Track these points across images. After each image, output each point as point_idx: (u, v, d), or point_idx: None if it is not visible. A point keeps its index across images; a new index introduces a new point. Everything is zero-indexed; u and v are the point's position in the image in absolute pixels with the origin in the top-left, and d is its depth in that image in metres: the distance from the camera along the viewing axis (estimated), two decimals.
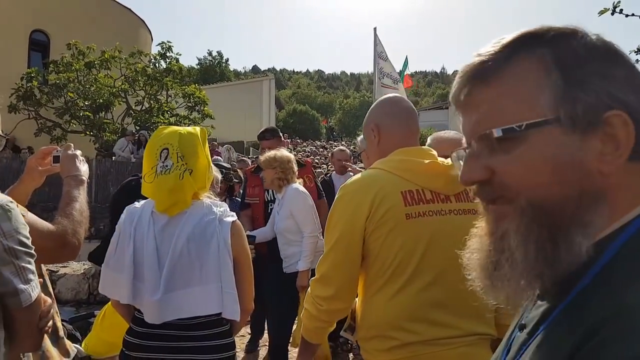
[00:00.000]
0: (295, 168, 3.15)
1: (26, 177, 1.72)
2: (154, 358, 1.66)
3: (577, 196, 0.52)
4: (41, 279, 1.52)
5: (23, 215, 1.37)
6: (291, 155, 3.19)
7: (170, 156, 1.67)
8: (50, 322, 1.25)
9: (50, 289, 1.57)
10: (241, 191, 4.19)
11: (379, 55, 8.98)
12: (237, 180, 4.97)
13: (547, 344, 0.52)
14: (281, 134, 3.80)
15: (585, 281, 0.50)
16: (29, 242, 1.10)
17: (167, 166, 1.66)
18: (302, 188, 3.10)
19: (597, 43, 0.55)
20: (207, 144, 1.81)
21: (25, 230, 1.10)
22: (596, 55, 0.54)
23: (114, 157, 11.42)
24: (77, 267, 4.52)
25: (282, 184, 3.07)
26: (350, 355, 4.10)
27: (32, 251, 1.11)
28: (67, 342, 1.60)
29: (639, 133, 0.51)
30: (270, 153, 3.10)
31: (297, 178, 3.18)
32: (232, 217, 1.73)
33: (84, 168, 1.69)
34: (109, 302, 2.44)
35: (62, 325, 1.70)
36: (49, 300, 1.24)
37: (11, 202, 1.06)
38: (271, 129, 3.79)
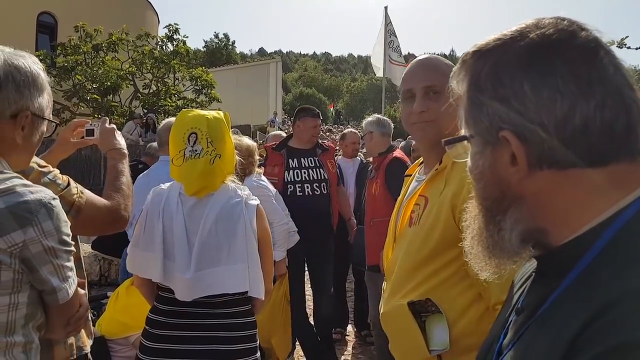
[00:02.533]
0: (257, 162, 3.01)
1: (57, 148, 1.77)
2: (178, 335, 1.71)
3: (501, 197, 0.62)
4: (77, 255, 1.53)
5: (81, 194, 1.42)
6: (254, 145, 3.05)
7: (199, 141, 1.71)
8: (83, 324, 1.28)
9: (84, 267, 1.62)
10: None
11: (390, 32, 8.81)
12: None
13: (551, 322, 0.55)
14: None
15: (585, 261, 0.55)
16: (69, 239, 1.10)
17: (196, 151, 1.70)
18: (259, 179, 2.97)
19: (519, 53, 0.59)
20: (230, 128, 1.85)
21: (67, 227, 1.09)
22: (509, 70, 0.59)
23: None
24: (87, 248, 4.57)
25: (243, 175, 2.88)
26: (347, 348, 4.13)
27: (72, 247, 1.12)
28: (92, 325, 1.64)
29: (543, 148, 0.57)
30: (240, 139, 2.93)
31: (262, 167, 3.10)
32: (255, 200, 1.79)
33: (123, 142, 1.73)
34: (122, 284, 2.49)
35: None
36: (86, 302, 1.26)
37: (54, 198, 1.05)
38: (316, 109, 3.67)
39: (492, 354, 0.62)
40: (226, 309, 1.75)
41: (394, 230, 1.48)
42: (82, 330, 1.55)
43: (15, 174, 1.05)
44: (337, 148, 5.54)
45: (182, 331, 1.72)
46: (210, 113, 1.82)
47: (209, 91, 13.89)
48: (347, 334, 4.34)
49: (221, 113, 1.84)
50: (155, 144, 4.08)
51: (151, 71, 13.28)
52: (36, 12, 14.36)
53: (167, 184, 1.82)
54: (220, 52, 46.40)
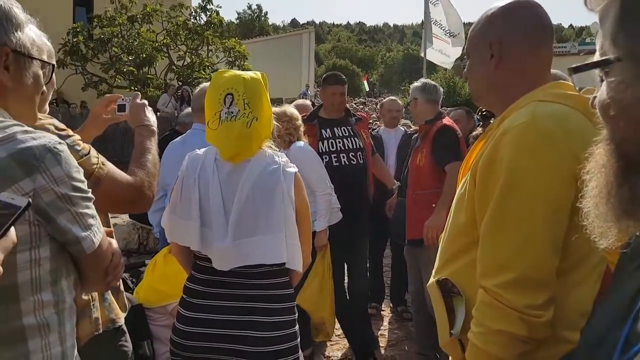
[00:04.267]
0: (302, 128, 2.97)
1: (89, 125, 1.72)
2: (216, 305, 1.67)
3: None
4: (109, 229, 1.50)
5: (102, 165, 1.33)
6: (298, 114, 3.00)
7: (235, 102, 1.64)
8: (122, 273, 1.20)
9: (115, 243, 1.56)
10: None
11: (433, 2, 8.31)
12: None
13: None
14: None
15: None
16: (84, 185, 1.02)
17: (232, 112, 1.63)
18: (307, 145, 2.92)
19: None
20: (268, 90, 1.75)
21: (79, 174, 1.01)
22: None
23: (158, 113, 11.59)
24: (126, 217, 4.64)
25: (291, 140, 2.88)
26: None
27: (90, 194, 1.04)
28: (125, 298, 1.61)
29: None
30: (280, 107, 2.94)
31: (304, 136, 2.99)
32: (293, 167, 1.72)
33: (153, 118, 1.66)
34: (160, 252, 2.47)
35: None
36: (117, 249, 1.18)
37: (60, 143, 0.97)
38: (341, 75, 3.56)
39: (610, 347, 0.48)
40: (264, 279, 1.70)
41: None
42: (115, 302, 1.52)
43: (16, 122, 0.97)
44: (374, 116, 5.41)
45: (219, 301, 1.68)
46: (247, 73, 1.73)
47: (242, 63, 13.82)
48: (383, 309, 4.27)
49: (258, 74, 1.74)
50: (188, 110, 4.03)
51: (185, 43, 13.30)
52: None
53: (203, 149, 1.75)
54: (252, 24, 46.13)
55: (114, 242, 1.17)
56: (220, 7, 14.16)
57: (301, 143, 2.90)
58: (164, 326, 2.23)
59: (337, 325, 3.46)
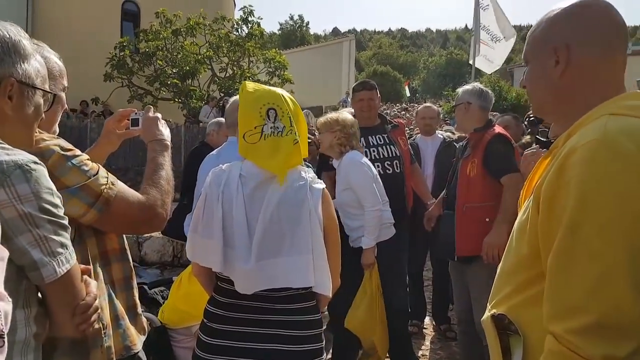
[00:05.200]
0: (358, 134, 2.83)
1: (103, 140, 1.66)
2: (238, 331, 1.56)
3: None
4: (117, 247, 1.41)
5: (112, 185, 1.27)
6: (355, 120, 2.87)
7: (280, 118, 1.60)
8: (95, 317, 1.11)
9: (131, 262, 1.48)
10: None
11: (480, 4, 8.04)
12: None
13: None
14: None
15: None
16: (55, 210, 0.96)
17: (278, 128, 1.59)
18: (360, 156, 2.78)
19: None
20: None
21: (51, 196, 0.96)
22: None
23: (200, 124, 11.81)
24: (157, 233, 4.64)
25: (343, 150, 2.77)
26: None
27: (63, 221, 0.98)
28: (144, 319, 1.52)
29: None
30: (332, 115, 2.84)
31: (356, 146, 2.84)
32: (321, 184, 1.64)
33: (166, 132, 1.60)
34: (186, 269, 2.39)
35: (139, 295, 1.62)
36: (94, 291, 1.10)
37: (36, 162, 0.94)
38: (370, 81, 3.46)
39: None
40: (289, 304, 1.59)
41: None
42: (130, 328, 1.42)
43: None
44: (411, 126, 5.23)
45: (241, 327, 1.57)
46: (282, 91, 1.68)
47: (282, 73, 13.89)
48: (425, 327, 4.04)
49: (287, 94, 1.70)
50: (215, 122, 3.99)
51: (227, 55, 13.51)
52: (121, 0, 15.22)
53: (227, 165, 1.66)
54: (294, 34, 46.71)
55: (92, 283, 1.10)
56: (262, 18, 14.35)
57: (354, 153, 2.77)
58: (188, 348, 2.14)
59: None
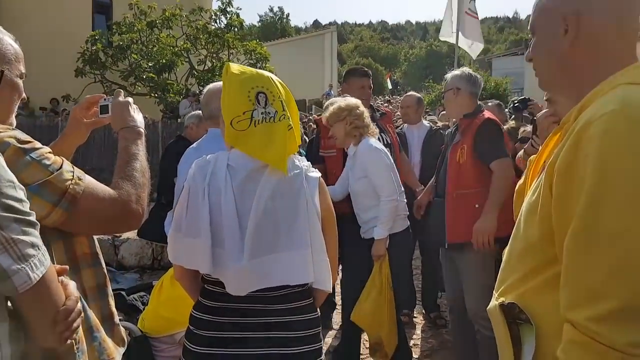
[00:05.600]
0: (367, 113, 2.73)
1: (70, 131, 1.49)
2: (229, 336, 1.42)
3: None
4: (87, 252, 1.25)
5: (78, 180, 1.11)
6: (358, 100, 2.77)
7: (271, 102, 1.48)
8: (78, 322, 0.97)
9: (104, 268, 1.33)
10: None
11: None
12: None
13: None
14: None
15: None
16: (20, 205, 0.83)
17: (269, 113, 1.47)
18: (377, 144, 2.69)
19: None
20: None
21: (13, 189, 0.82)
22: None
23: (179, 119, 11.54)
24: (133, 234, 4.45)
25: (361, 133, 2.66)
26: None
27: (30, 218, 0.84)
28: (122, 330, 1.36)
29: None
30: (334, 104, 2.72)
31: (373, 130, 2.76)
32: (316, 172, 1.54)
33: (139, 118, 1.43)
34: (167, 272, 2.22)
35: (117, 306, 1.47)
36: (74, 292, 0.96)
37: None
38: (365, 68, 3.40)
39: None
40: (286, 304, 1.46)
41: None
42: (107, 340, 1.27)
43: None
44: (398, 114, 5.22)
45: (232, 332, 1.43)
46: (270, 74, 1.55)
47: (264, 65, 13.68)
48: (415, 315, 4.03)
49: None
50: (195, 114, 3.82)
51: (206, 47, 13.23)
52: None
53: (212, 155, 1.51)
54: (274, 26, 46.38)
55: (71, 284, 0.95)
56: (240, 9, 14.12)
57: (371, 141, 2.67)
58: (172, 357, 1.98)
59: (365, 337, 3.17)
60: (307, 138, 4.72)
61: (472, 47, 8.49)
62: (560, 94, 1.10)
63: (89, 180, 1.17)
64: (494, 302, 1.01)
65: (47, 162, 1.10)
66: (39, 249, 0.85)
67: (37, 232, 0.86)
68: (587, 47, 0.95)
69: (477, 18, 8.14)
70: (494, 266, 2.55)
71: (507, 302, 0.95)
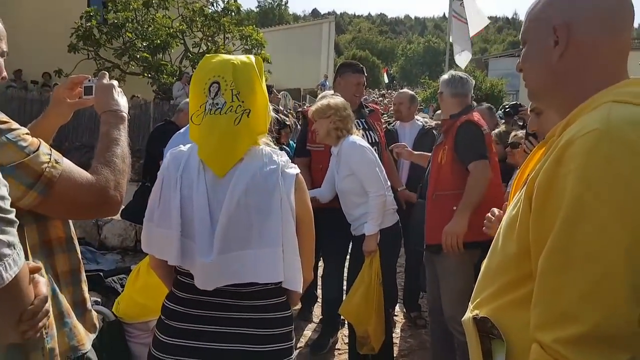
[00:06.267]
0: (353, 117, 2.72)
1: (52, 111, 1.45)
2: (199, 329, 1.41)
3: None
4: (62, 236, 1.24)
5: (55, 163, 1.09)
6: (347, 103, 2.76)
7: (222, 92, 1.41)
8: (44, 322, 0.97)
9: (79, 253, 1.32)
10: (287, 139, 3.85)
11: None
12: (286, 124, 4.50)
13: None
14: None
15: None
16: (2, 203, 0.81)
17: (217, 104, 1.40)
18: (360, 140, 2.68)
19: None
20: (264, 77, 1.47)
21: None
22: None
23: (171, 101, 11.43)
24: (117, 216, 4.41)
25: (340, 135, 2.66)
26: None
27: (10, 216, 0.82)
28: (94, 315, 1.35)
29: None
30: (323, 100, 2.71)
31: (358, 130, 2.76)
32: (295, 168, 1.47)
33: (122, 101, 1.41)
34: (144, 259, 2.21)
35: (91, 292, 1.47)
36: (43, 291, 0.95)
37: None
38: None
39: None
40: (257, 300, 1.44)
41: None
42: (78, 326, 1.26)
43: None
44: (392, 110, 5.17)
45: (202, 325, 1.42)
46: (237, 58, 1.45)
47: (259, 51, 13.56)
48: (395, 314, 4.00)
49: (252, 57, 1.46)
50: (187, 100, 3.77)
51: (201, 29, 13.08)
52: None
53: (188, 145, 1.49)
54: (272, 13, 45.92)
55: (42, 282, 0.94)
56: None
57: (353, 138, 2.65)
58: (146, 344, 1.97)
59: (346, 332, 3.19)
60: (299, 128, 4.68)
61: (462, 54, 8.40)
62: (548, 106, 1.10)
63: (66, 164, 1.15)
64: (468, 315, 1.00)
65: (24, 144, 1.07)
66: (14, 248, 0.83)
67: (14, 231, 0.84)
68: (577, 60, 0.93)
69: (465, 22, 8.02)
70: (472, 271, 2.56)
71: (480, 316, 0.95)
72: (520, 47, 1.06)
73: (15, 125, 1.10)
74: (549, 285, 0.80)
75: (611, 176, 0.76)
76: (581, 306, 0.75)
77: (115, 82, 1.45)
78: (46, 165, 1.09)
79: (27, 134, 1.11)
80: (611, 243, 0.75)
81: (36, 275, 0.96)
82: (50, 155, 1.12)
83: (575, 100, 0.91)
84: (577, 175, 0.78)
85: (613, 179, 0.76)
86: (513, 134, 3.25)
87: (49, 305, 0.98)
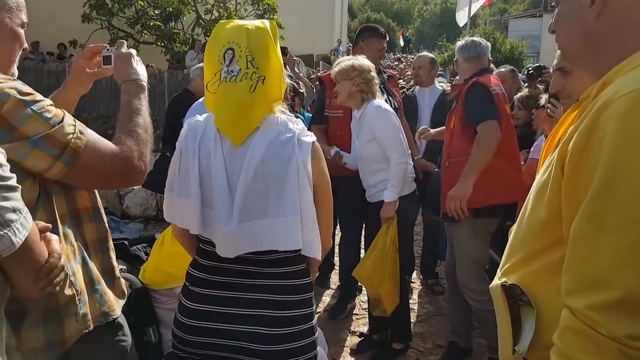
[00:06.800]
0: (377, 80, 2.65)
1: (72, 81, 1.46)
2: (220, 295, 1.45)
3: None
4: (88, 206, 1.27)
5: (80, 134, 1.10)
6: (372, 64, 2.67)
7: (237, 59, 1.38)
8: (61, 276, 1.00)
9: (105, 222, 1.34)
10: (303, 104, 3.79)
11: None
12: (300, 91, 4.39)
13: None
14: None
15: None
16: (1, 170, 0.82)
17: (232, 72, 1.38)
18: (385, 105, 2.62)
19: None
20: (278, 42, 1.44)
21: None
22: None
23: (185, 70, 11.37)
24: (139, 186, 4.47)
25: (365, 98, 2.59)
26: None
27: (10, 182, 0.83)
28: (123, 282, 1.40)
29: None
30: (347, 62, 2.62)
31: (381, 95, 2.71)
32: (311, 136, 1.46)
33: (142, 70, 1.40)
34: (168, 227, 2.25)
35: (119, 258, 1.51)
36: (56, 249, 0.97)
37: None
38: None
39: None
40: (277, 268, 1.46)
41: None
42: (108, 292, 1.30)
43: None
44: (409, 74, 5.05)
45: (226, 291, 1.46)
46: (252, 23, 1.42)
47: (272, 16, 13.31)
48: (412, 281, 4.05)
49: (266, 22, 1.43)
50: (199, 67, 3.74)
51: None
52: None
53: (204, 115, 1.48)
54: None
55: (54, 240, 0.96)
56: None
57: (377, 102, 2.59)
58: (172, 309, 2.03)
59: (364, 298, 3.24)
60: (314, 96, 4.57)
61: (459, 13, 8.12)
62: (583, 68, 1.03)
63: (90, 135, 1.16)
64: (496, 281, 0.99)
65: (49, 115, 1.09)
66: (20, 212, 0.85)
67: (18, 195, 0.86)
68: (614, 21, 0.88)
69: None
70: (487, 240, 2.53)
71: (509, 283, 0.94)
72: (553, 5, 1.02)
73: (39, 96, 1.11)
74: (582, 251, 0.78)
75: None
76: (615, 271, 0.74)
77: (133, 51, 1.44)
78: (71, 136, 1.10)
79: (51, 105, 1.12)
80: None
81: (48, 234, 0.98)
82: (75, 126, 1.13)
83: (612, 62, 0.87)
84: (614, 138, 0.75)
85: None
86: (541, 96, 3.16)
87: (63, 260, 1.01)
